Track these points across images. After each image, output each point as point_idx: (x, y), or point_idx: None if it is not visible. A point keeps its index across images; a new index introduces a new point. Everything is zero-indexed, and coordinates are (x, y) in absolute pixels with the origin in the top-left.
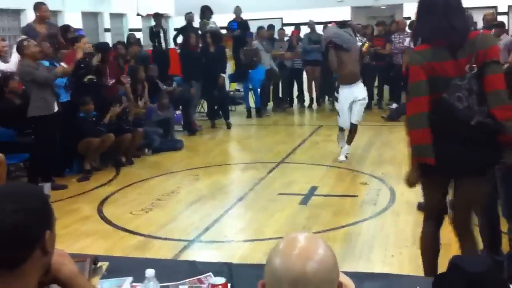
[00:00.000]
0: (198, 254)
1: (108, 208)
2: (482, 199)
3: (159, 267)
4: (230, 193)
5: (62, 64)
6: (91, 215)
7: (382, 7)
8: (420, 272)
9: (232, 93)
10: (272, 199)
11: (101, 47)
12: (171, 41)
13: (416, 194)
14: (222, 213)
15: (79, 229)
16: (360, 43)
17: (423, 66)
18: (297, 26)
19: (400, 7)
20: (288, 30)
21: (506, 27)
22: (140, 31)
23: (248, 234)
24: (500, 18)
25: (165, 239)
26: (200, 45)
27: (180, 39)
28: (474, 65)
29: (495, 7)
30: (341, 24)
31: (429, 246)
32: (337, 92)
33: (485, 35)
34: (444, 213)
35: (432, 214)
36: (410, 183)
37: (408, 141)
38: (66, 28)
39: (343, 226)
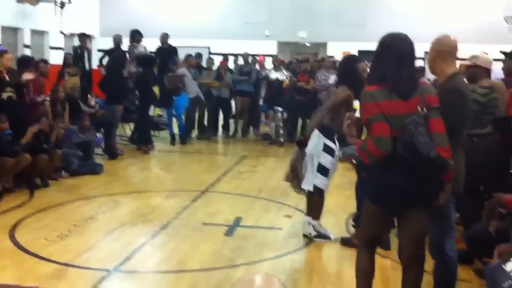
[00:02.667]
0: (118, 285)
1: (20, 233)
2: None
3: None
4: (153, 221)
5: None
6: (1, 240)
7: (307, 44)
8: None
9: (156, 118)
10: (197, 229)
11: (24, 61)
12: (94, 61)
13: (339, 228)
14: (144, 242)
15: None
16: (284, 77)
17: (376, 103)
18: (226, 56)
19: (324, 45)
20: (216, 60)
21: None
22: (61, 49)
23: (171, 265)
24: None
25: (82, 268)
26: (132, 69)
27: (105, 61)
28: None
29: None
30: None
31: (367, 273)
32: (332, 141)
33: (428, 84)
34: (378, 243)
35: (369, 243)
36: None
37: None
38: None
39: (267, 259)
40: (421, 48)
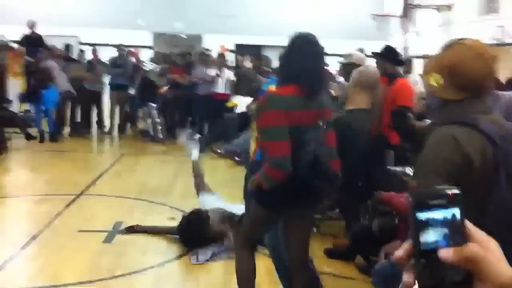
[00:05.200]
0: None
1: None
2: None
3: None
4: (22, 230)
5: None
6: None
7: (183, 36)
8: None
9: (21, 114)
10: (72, 237)
11: None
12: None
13: None
14: (13, 254)
15: None
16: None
17: (288, 113)
18: (94, 48)
19: (199, 38)
20: (86, 50)
21: None
22: None
23: (43, 279)
24: None
25: None
26: None
27: None
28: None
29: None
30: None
31: (250, 273)
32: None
33: (326, 96)
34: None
35: (251, 244)
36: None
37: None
38: None
39: (152, 267)
40: None
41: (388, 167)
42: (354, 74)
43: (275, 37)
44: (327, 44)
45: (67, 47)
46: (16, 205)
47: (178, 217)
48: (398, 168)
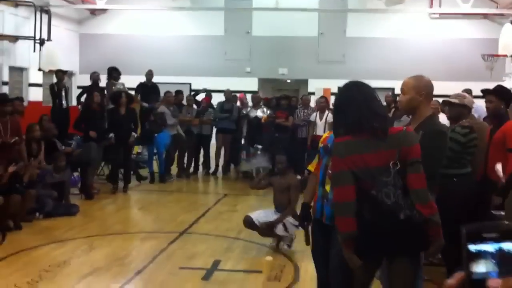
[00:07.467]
0: None
1: None
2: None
3: None
4: (128, 265)
5: None
6: None
7: (287, 80)
8: None
9: (134, 156)
10: (173, 273)
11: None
12: (73, 98)
13: None
14: None
15: None
16: (263, 114)
17: (344, 159)
18: (209, 93)
19: (305, 82)
20: (198, 97)
21: None
22: (40, 86)
23: None
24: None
25: None
26: (110, 106)
27: (83, 98)
28: (397, 162)
29: (392, 89)
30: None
31: None
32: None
33: (409, 132)
34: None
35: None
36: (355, 266)
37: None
38: None
39: None
40: (399, 85)
41: (493, 211)
42: (415, 83)
43: (378, 80)
44: (436, 86)
45: (178, 92)
46: (124, 242)
47: (275, 258)
48: (504, 213)
